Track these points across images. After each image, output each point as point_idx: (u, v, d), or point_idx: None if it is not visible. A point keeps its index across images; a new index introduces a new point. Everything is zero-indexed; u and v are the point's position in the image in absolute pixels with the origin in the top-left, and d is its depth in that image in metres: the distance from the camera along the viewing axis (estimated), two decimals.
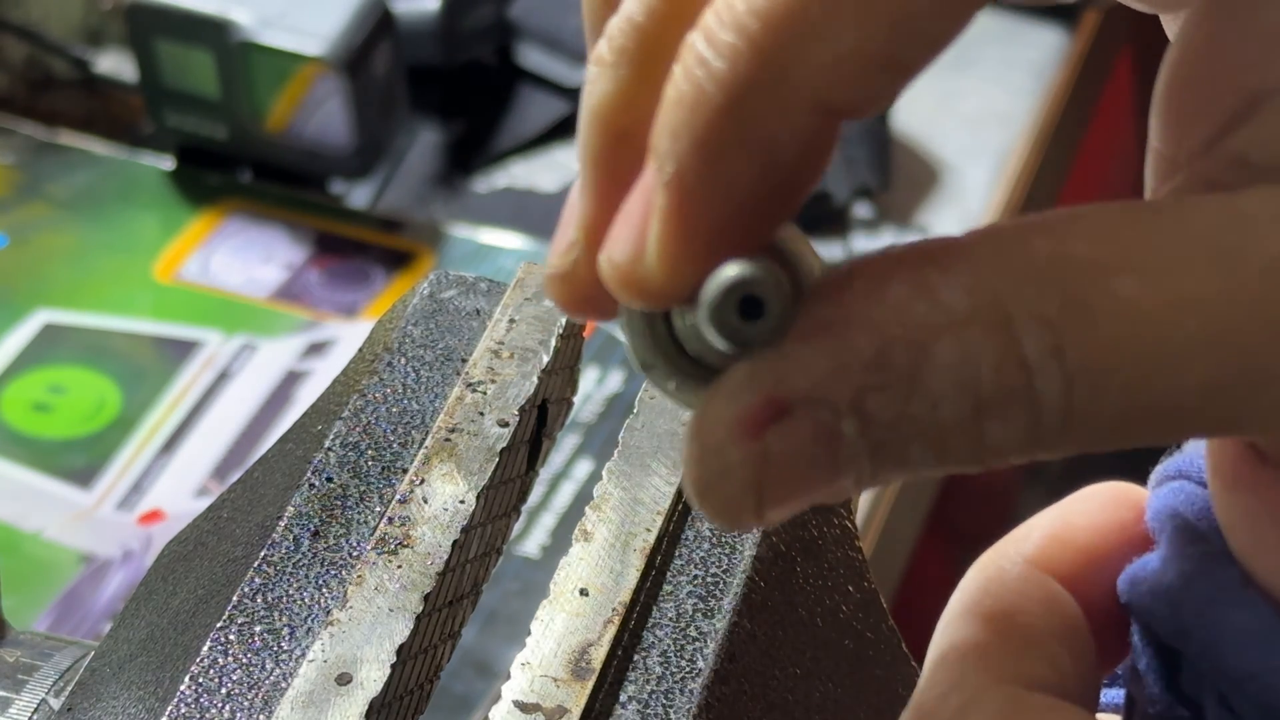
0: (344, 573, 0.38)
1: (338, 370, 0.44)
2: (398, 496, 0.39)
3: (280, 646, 0.37)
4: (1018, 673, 0.31)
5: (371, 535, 0.39)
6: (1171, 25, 0.31)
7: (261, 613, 0.38)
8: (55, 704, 0.40)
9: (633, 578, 0.38)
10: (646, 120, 0.26)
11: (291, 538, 0.39)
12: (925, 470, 0.25)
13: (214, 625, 0.38)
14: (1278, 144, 0.26)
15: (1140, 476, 0.34)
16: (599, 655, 0.37)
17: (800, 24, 0.24)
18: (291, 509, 0.40)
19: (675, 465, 0.40)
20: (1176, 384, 0.25)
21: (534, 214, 1.12)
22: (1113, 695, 0.35)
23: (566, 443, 0.94)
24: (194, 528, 0.41)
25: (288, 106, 1.04)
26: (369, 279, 1.05)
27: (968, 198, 1.17)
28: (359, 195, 1.12)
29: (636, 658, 0.37)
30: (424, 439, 0.41)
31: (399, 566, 0.38)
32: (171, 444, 0.94)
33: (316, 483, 0.40)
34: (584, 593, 0.38)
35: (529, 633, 0.37)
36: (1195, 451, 0.32)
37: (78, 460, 0.93)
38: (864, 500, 0.96)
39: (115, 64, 1.14)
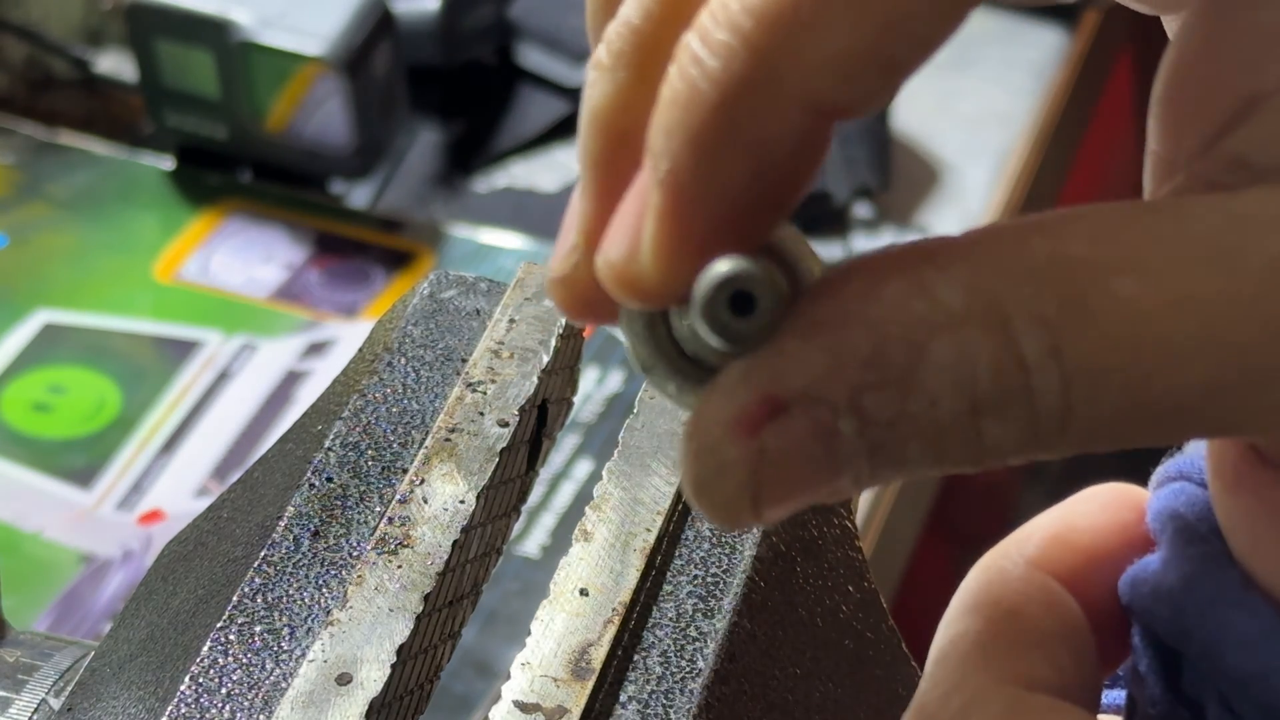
0: (344, 573, 0.38)
1: (338, 370, 0.44)
2: (398, 496, 0.39)
3: (280, 646, 0.37)
4: (1019, 673, 0.31)
5: (371, 535, 0.39)
6: (1172, 25, 0.31)
7: (261, 613, 0.38)
8: (55, 704, 0.40)
9: (633, 578, 0.38)
10: (645, 123, 0.26)
11: (291, 538, 0.39)
12: (923, 470, 0.25)
13: (214, 625, 0.38)
14: (1274, 144, 0.26)
15: (1141, 477, 0.34)
16: (599, 655, 0.37)
17: (793, 23, 0.24)
18: (291, 509, 0.40)
19: (675, 465, 0.40)
20: (1176, 384, 0.25)
21: (534, 214, 1.12)
22: (1114, 696, 0.35)
23: (566, 443, 0.94)
24: (194, 528, 0.41)
25: (288, 106, 1.04)
26: (369, 279, 1.05)
27: (968, 198, 1.17)
28: (359, 195, 1.12)
29: (636, 658, 0.37)
30: (424, 439, 0.41)
31: (399, 566, 0.38)
32: (171, 444, 0.94)
33: (316, 483, 0.40)
34: (584, 593, 0.38)
35: (529, 633, 0.37)
36: (1196, 452, 0.32)
37: (78, 460, 0.93)
38: (864, 500, 0.96)
39: (115, 64, 1.14)
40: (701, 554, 0.39)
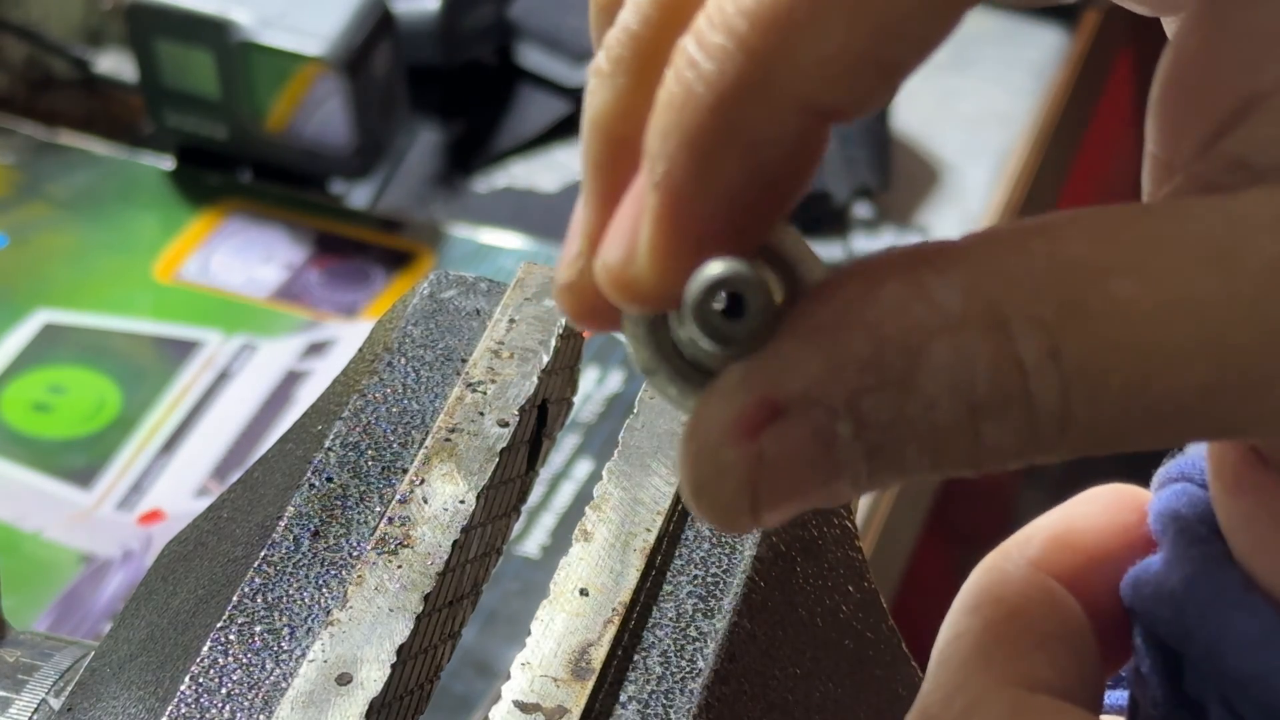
0: (344, 573, 0.38)
1: (338, 370, 0.44)
2: (398, 496, 0.39)
3: (280, 646, 0.37)
4: (1022, 675, 0.31)
5: (371, 535, 0.39)
6: (1171, 26, 0.31)
7: (261, 613, 0.38)
8: (55, 704, 0.40)
9: (633, 578, 0.38)
10: (645, 128, 0.26)
11: (291, 538, 0.39)
12: (922, 473, 0.25)
13: (214, 625, 0.38)
14: (1273, 145, 0.26)
15: (1142, 478, 0.34)
16: (599, 655, 0.37)
17: (788, 25, 0.24)
18: (291, 509, 0.40)
19: (675, 465, 0.40)
20: (1175, 386, 0.25)
21: (534, 214, 1.12)
22: (1116, 697, 0.35)
23: (566, 443, 0.94)
24: (194, 528, 0.41)
25: (288, 106, 1.04)
26: (369, 279, 1.05)
27: (968, 198, 1.17)
28: (359, 195, 1.12)
29: (636, 658, 0.37)
30: (424, 439, 0.41)
31: (399, 566, 0.38)
32: (171, 444, 0.94)
33: (316, 483, 0.40)
34: (584, 593, 0.38)
35: (529, 633, 0.37)
36: (1197, 453, 0.32)
37: (78, 460, 0.93)
38: (864, 500, 0.96)
39: (115, 64, 1.14)
40: (701, 554, 0.39)
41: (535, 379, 0.42)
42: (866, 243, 1.08)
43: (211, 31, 1.03)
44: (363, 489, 0.40)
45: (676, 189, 0.25)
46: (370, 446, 0.41)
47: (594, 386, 0.97)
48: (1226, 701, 0.30)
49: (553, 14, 1.20)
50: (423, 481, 0.40)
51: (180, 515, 0.90)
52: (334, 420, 0.41)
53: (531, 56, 1.19)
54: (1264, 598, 0.29)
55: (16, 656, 0.42)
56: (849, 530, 0.41)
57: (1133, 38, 1.43)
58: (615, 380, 0.98)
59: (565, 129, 1.18)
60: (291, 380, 0.98)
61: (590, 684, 0.36)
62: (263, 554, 0.39)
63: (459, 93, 1.19)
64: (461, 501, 0.39)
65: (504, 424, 0.41)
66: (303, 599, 0.38)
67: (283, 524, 0.39)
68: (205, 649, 0.37)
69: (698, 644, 0.38)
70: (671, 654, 0.37)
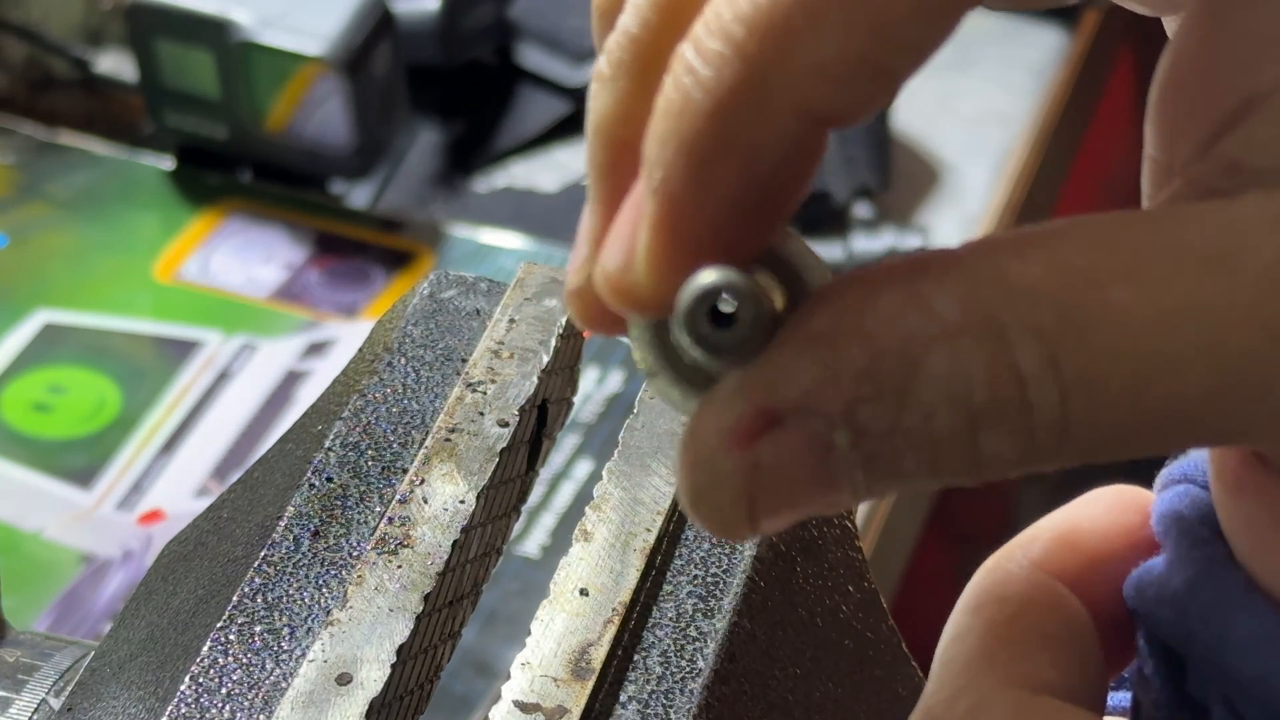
0: (344, 573, 0.38)
1: (338, 370, 0.44)
2: (398, 496, 0.39)
3: (280, 646, 0.37)
4: (1025, 676, 0.30)
5: (371, 535, 0.39)
6: (1172, 27, 0.31)
7: (261, 613, 0.38)
8: (55, 704, 0.40)
9: (633, 578, 0.38)
10: (646, 132, 0.26)
11: (291, 538, 0.39)
12: (921, 482, 0.25)
13: (214, 625, 0.38)
14: (1269, 147, 0.26)
15: (1143, 480, 0.34)
16: (599, 655, 0.37)
17: (784, 31, 0.24)
18: (291, 509, 0.40)
19: (674, 470, 0.40)
20: (1175, 392, 0.24)
21: (534, 214, 1.12)
22: (1119, 698, 0.35)
23: (566, 443, 0.94)
24: (194, 528, 0.41)
25: (288, 106, 1.04)
26: (369, 279, 1.05)
27: (968, 198, 1.17)
28: (359, 195, 1.12)
29: (636, 658, 0.37)
30: (424, 439, 0.41)
31: (399, 566, 0.38)
32: (171, 444, 0.94)
33: (316, 483, 0.40)
34: (584, 593, 0.38)
35: (529, 633, 0.37)
36: (1200, 455, 0.32)
37: (78, 460, 0.93)
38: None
39: (115, 64, 1.14)
40: (701, 554, 0.39)
41: (535, 379, 0.42)
42: (866, 243, 1.08)
43: (211, 31, 1.03)
44: (363, 489, 0.40)
45: (674, 195, 0.25)
46: (370, 446, 0.41)
47: (594, 386, 0.97)
48: (1229, 703, 0.30)
49: (553, 14, 1.20)
50: (423, 481, 0.40)
51: (180, 515, 0.90)
52: (334, 420, 0.41)
53: (531, 56, 1.19)
54: (1266, 599, 0.29)
55: (16, 656, 0.42)
56: (849, 530, 0.41)
57: (1133, 38, 1.43)
58: (615, 380, 0.98)
59: (565, 129, 1.18)
60: (291, 380, 0.98)
61: (590, 684, 0.36)
62: (263, 554, 0.39)
63: (459, 93, 1.19)
64: (461, 501, 0.39)
65: (504, 424, 0.41)
66: (303, 599, 0.38)
67: (283, 524, 0.39)
68: (205, 649, 0.37)
69: (698, 644, 0.37)
70: (671, 654, 0.37)
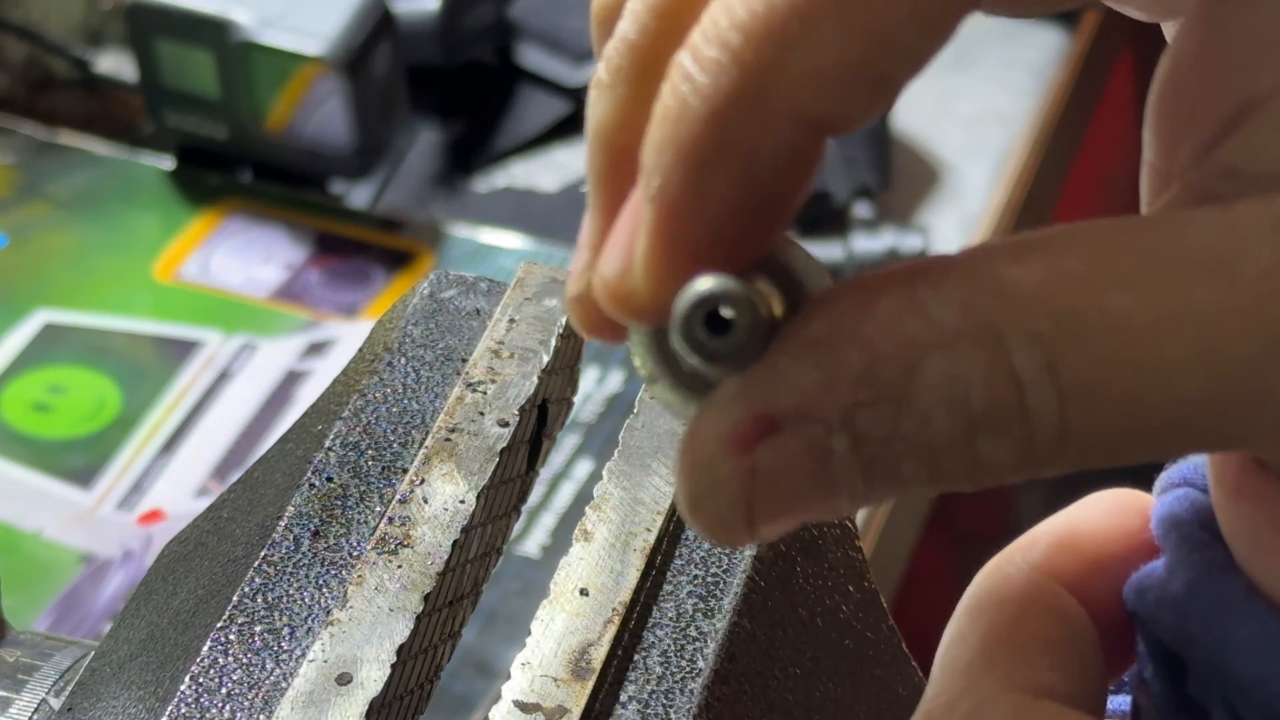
0: (344, 573, 0.38)
1: (338, 370, 0.44)
2: (398, 496, 0.39)
3: (280, 646, 0.37)
4: (1025, 680, 0.30)
5: (371, 535, 0.39)
6: (1170, 32, 0.31)
7: (262, 613, 0.38)
8: (55, 704, 0.40)
9: (633, 578, 0.38)
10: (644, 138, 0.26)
11: (292, 538, 0.39)
12: (920, 489, 0.25)
13: (214, 625, 0.38)
14: (1267, 152, 0.26)
15: (1142, 482, 0.34)
16: (599, 655, 0.37)
17: (781, 38, 0.24)
18: (292, 509, 0.40)
19: (673, 475, 0.40)
20: (1174, 398, 0.24)
21: (534, 214, 1.12)
22: (1119, 702, 0.35)
23: (566, 443, 0.94)
24: (194, 528, 0.41)
25: (288, 106, 1.04)
26: (369, 279, 1.05)
27: (968, 198, 1.17)
28: (359, 195, 1.12)
29: (636, 658, 0.37)
30: (424, 439, 0.41)
31: (399, 566, 0.38)
32: (171, 444, 0.94)
33: (316, 483, 0.40)
34: (584, 593, 0.38)
35: (529, 633, 0.37)
36: (1199, 459, 0.32)
37: (78, 460, 0.93)
38: None
39: (115, 64, 1.14)
40: (701, 554, 0.39)
41: (535, 379, 0.42)
42: (866, 243, 1.08)
43: (211, 31, 1.03)
44: (363, 489, 0.40)
45: (671, 202, 0.25)
46: (370, 446, 0.41)
47: (594, 386, 0.97)
48: (1229, 706, 0.30)
49: (553, 14, 1.20)
50: (423, 481, 0.40)
51: (180, 515, 0.90)
52: (334, 420, 0.41)
53: (531, 56, 1.19)
54: (1266, 603, 0.29)
55: (16, 656, 0.42)
56: (849, 530, 0.41)
57: (1133, 38, 1.43)
58: (615, 380, 0.98)
59: (565, 129, 1.18)
60: (291, 380, 0.98)
61: (590, 684, 0.36)
62: (263, 554, 0.39)
63: (459, 93, 1.19)
64: (461, 501, 0.39)
65: (504, 424, 0.41)
66: (303, 599, 0.38)
67: (283, 524, 0.39)
68: (205, 649, 0.37)
69: (698, 644, 0.38)
70: (671, 654, 0.37)
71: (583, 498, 0.91)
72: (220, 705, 0.36)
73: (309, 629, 0.37)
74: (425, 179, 1.15)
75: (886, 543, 1.03)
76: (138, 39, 1.05)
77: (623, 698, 0.37)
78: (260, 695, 0.36)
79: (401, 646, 0.37)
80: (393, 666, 0.36)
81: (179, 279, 1.04)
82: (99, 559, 0.88)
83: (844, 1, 0.24)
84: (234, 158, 1.10)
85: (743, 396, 0.25)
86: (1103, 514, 0.34)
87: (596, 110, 0.27)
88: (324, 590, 0.38)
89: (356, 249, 1.06)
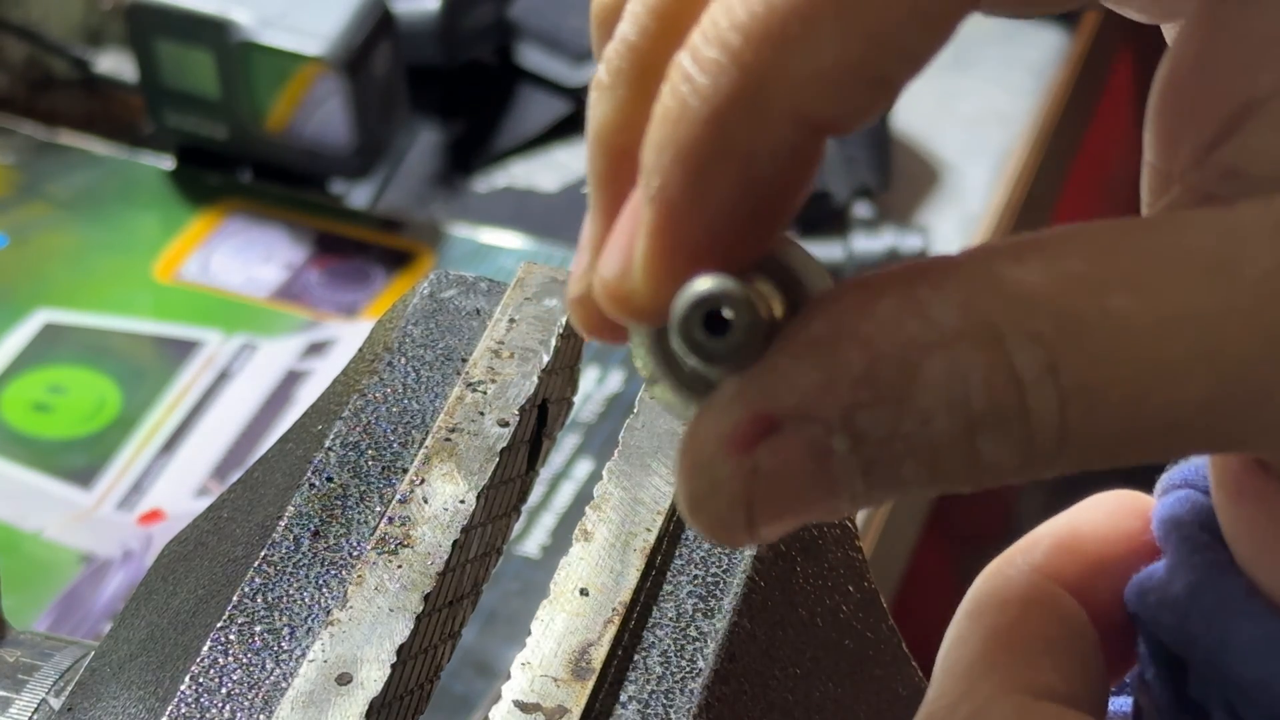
0: (344, 573, 0.38)
1: (338, 370, 0.44)
2: (398, 496, 0.39)
3: (280, 646, 0.37)
4: (1026, 682, 0.30)
5: (372, 535, 0.39)
6: (1171, 34, 0.31)
7: (262, 613, 0.38)
8: (55, 704, 0.40)
9: (633, 578, 0.38)
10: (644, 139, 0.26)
11: (292, 538, 0.39)
12: (920, 489, 0.25)
13: (214, 625, 0.38)
14: (1267, 153, 0.26)
15: (1142, 483, 0.34)
16: (599, 655, 0.37)
17: (781, 39, 0.24)
18: (292, 509, 0.40)
19: (673, 475, 0.40)
20: (1174, 400, 0.24)
21: (534, 214, 1.12)
22: (1120, 704, 0.35)
23: (566, 443, 0.94)
24: (194, 528, 0.41)
25: (288, 106, 1.04)
26: (369, 279, 1.05)
27: (968, 198, 1.17)
28: (359, 195, 1.12)
29: (637, 658, 0.37)
30: (424, 439, 0.41)
31: (399, 566, 0.38)
32: (171, 444, 0.94)
33: (317, 483, 0.40)
34: (584, 593, 0.38)
35: (529, 633, 0.37)
36: (1200, 460, 0.32)
37: (78, 460, 0.93)
38: None
39: (115, 64, 1.14)
40: (701, 554, 0.39)
41: (535, 379, 0.42)
42: (866, 243, 1.08)
43: (211, 31, 1.03)
44: (363, 489, 0.40)
45: (671, 203, 0.25)
46: (370, 446, 0.41)
47: (594, 386, 0.97)
48: (1230, 707, 0.30)
49: (553, 14, 1.20)
50: (423, 481, 0.40)
51: (180, 515, 0.90)
52: (334, 420, 0.41)
53: (531, 56, 1.19)
54: (1267, 604, 0.29)
55: (16, 656, 0.42)
56: (849, 530, 0.41)
57: (1133, 38, 1.43)
58: (615, 380, 0.98)
59: (565, 129, 1.18)
60: (291, 380, 0.98)
61: (590, 684, 0.36)
62: (263, 554, 0.39)
63: (459, 93, 1.19)
64: (461, 501, 0.39)
65: (504, 424, 0.41)
66: (303, 599, 0.38)
67: (283, 524, 0.39)
68: (205, 649, 0.37)
69: (698, 644, 0.38)
70: (671, 654, 0.37)
71: (583, 498, 0.91)
72: (220, 705, 0.36)
73: (309, 629, 0.37)
74: (425, 179, 1.15)
75: (886, 543, 1.03)
76: (138, 39, 1.05)
77: (623, 698, 0.37)
78: (260, 695, 0.36)
79: (401, 646, 0.37)
80: (393, 666, 0.36)
81: (179, 279, 1.04)
82: (99, 559, 0.88)
83: (844, 2, 0.24)
84: (234, 158, 1.10)
85: (743, 397, 0.25)
86: (1104, 516, 0.34)
87: (596, 111, 0.27)
88: (324, 590, 0.38)
89: (356, 249, 1.06)
